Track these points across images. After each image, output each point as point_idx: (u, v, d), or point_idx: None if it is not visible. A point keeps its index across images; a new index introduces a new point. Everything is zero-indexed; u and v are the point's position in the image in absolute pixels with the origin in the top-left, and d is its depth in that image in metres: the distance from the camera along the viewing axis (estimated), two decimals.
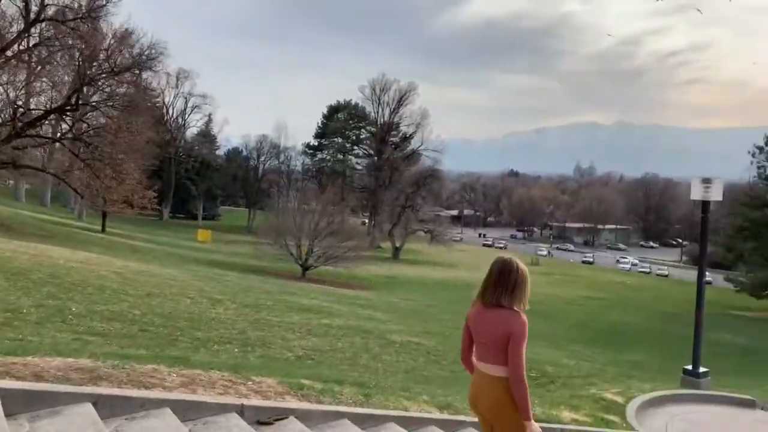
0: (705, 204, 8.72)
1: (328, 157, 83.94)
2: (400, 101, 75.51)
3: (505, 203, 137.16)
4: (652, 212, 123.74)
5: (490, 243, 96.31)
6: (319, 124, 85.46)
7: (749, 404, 9.44)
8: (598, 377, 10.91)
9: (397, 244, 61.92)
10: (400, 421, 4.47)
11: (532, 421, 3.06)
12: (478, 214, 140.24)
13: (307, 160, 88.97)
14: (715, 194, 8.41)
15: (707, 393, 9.44)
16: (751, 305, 45.15)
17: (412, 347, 11.18)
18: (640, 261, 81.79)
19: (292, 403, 4.25)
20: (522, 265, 3.20)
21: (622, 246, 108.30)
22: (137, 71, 33.60)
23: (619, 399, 8.00)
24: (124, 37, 31.39)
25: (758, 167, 47.56)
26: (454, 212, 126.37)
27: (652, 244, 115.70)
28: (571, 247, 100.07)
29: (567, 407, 7.12)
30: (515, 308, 3.13)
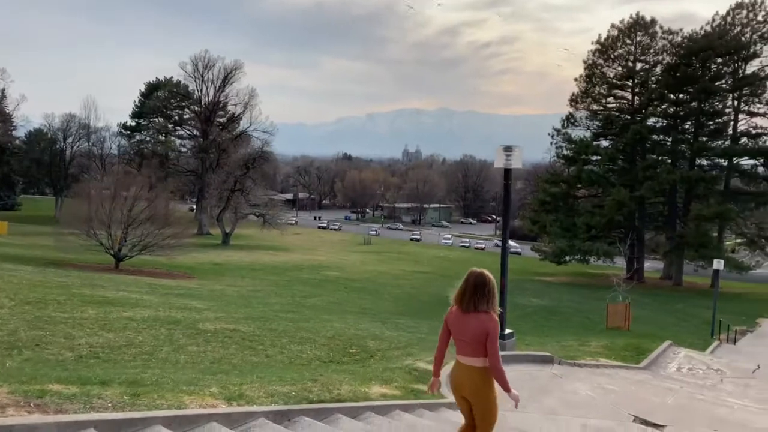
0: (507, 171, 9.04)
1: (148, 138, 77.72)
2: (226, 79, 71.69)
3: (339, 186, 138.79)
4: (471, 191, 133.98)
5: (325, 225, 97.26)
6: (137, 103, 78.59)
7: (548, 360, 10.14)
8: (417, 346, 11.04)
9: (227, 230, 59.34)
10: (171, 421, 3.75)
11: (513, 390, 3.79)
12: (312, 197, 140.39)
13: (124, 142, 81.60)
14: (515, 162, 8.73)
15: (513, 353, 9.93)
16: (552, 271, 50.73)
17: (225, 335, 10.33)
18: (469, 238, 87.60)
19: (15, 417, 3.30)
20: (491, 277, 3.92)
21: (445, 223, 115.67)
22: None
23: (431, 367, 7.99)
24: None
25: (556, 148, 53.33)
26: (289, 196, 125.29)
27: (471, 220, 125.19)
28: (400, 226, 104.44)
29: (378, 381, 6.89)
30: (490, 311, 3.81)
